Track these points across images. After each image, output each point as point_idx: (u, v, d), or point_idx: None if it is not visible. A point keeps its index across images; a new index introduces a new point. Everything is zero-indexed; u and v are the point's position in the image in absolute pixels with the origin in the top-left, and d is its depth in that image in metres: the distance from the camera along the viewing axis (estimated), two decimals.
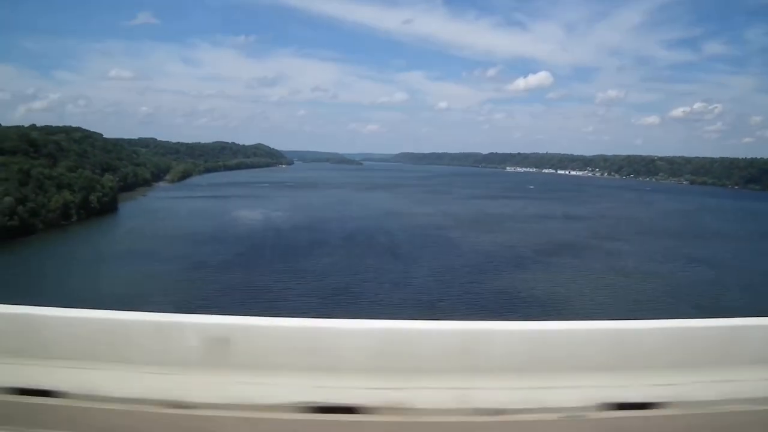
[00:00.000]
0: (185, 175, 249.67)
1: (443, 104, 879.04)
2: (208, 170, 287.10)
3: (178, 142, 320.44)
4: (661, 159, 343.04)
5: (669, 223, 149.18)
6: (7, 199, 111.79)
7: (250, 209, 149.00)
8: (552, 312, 66.49)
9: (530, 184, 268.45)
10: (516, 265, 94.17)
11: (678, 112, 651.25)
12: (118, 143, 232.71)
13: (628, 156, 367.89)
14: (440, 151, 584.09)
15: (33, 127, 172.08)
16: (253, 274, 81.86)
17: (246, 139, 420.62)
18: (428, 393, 5.56)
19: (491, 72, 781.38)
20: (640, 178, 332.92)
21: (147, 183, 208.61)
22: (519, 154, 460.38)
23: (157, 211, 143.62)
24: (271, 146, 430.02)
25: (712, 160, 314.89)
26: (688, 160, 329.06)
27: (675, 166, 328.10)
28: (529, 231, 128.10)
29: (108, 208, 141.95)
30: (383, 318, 6.48)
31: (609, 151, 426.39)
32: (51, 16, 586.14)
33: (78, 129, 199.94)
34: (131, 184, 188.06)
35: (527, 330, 6.04)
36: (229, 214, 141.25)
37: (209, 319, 5.97)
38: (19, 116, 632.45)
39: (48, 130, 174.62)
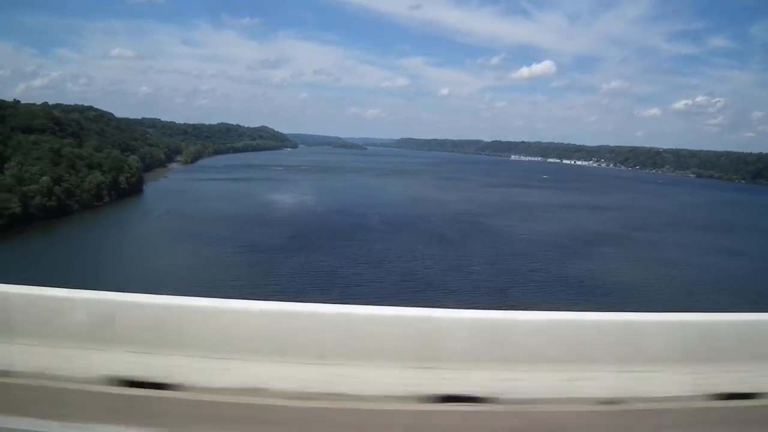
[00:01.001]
0: (197, 157, 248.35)
1: (445, 90, 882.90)
2: (217, 152, 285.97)
3: (185, 123, 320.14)
4: (666, 151, 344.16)
5: (693, 215, 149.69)
6: (44, 178, 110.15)
7: (279, 193, 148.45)
8: (620, 300, 66.45)
9: (543, 174, 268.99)
10: (564, 254, 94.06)
11: (680, 104, 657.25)
12: (130, 123, 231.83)
13: (634, 147, 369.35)
14: (442, 138, 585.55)
15: (46, 104, 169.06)
16: (314, 257, 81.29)
17: (247, 121, 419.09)
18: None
19: (495, 60, 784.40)
20: (646, 170, 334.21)
21: (162, 164, 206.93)
22: (523, 142, 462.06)
23: (185, 192, 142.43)
24: (274, 128, 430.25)
25: (719, 154, 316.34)
26: (693, 153, 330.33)
27: (681, 159, 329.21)
28: (561, 220, 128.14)
29: (135, 189, 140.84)
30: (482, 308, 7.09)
31: (610, 142, 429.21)
32: None
33: (90, 108, 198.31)
34: (148, 165, 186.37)
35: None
36: (260, 197, 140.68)
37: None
38: (18, 93, 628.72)
39: (63, 109, 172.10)
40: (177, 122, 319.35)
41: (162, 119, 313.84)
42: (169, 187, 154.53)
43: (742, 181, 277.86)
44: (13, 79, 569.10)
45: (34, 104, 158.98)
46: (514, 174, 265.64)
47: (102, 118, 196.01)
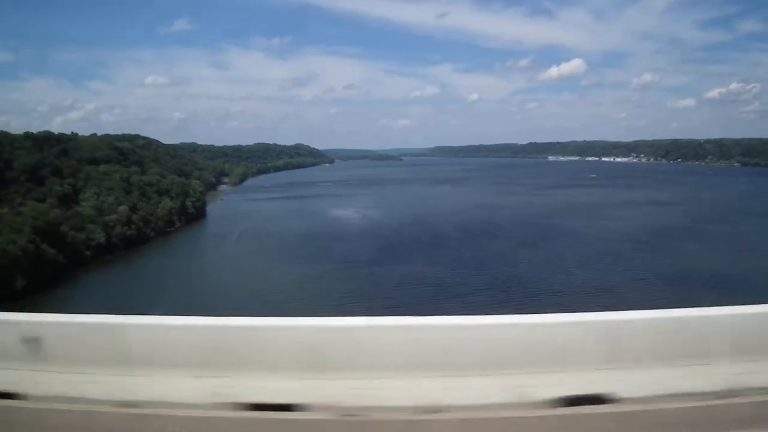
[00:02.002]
0: (243, 178, 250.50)
1: (474, 96, 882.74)
2: (260, 172, 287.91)
3: (224, 145, 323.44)
4: (708, 142, 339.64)
5: (755, 203, 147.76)
6: (122, 207, 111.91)
7: (341, 208, 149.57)
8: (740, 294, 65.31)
9: (590, 173, 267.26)
10: (649, 251, 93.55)
11: (714, 93, 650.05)
12: (176, 148, 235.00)
13: (674, 140, 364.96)
14: (476, 144, 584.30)
15: (94, 135, 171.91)
16: (413, 269, 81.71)
17: (280, 139, 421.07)
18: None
19: (524, 62, 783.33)
20: (689, 162, 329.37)
21: (212, 186, 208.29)
22: (558, 143, 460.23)
23: (249, 213, 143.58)
24: (309, 145, 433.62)
25: (763, 141, 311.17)
26: (736, 142, 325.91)
27: (723, 149, 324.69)
28: (630, 218, 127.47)
29: (200, 213, 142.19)
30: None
31: (644, 137, 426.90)
32: (81, 28, 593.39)
33: (138, 136, 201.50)
34: None
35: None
36: (325, 213, 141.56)
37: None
38: (56, 126, 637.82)
39: (113, 138, 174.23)
40: (216, 145, 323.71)
41: (199, 142, 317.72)
42: (230, 209, 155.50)
43: None
44: (51, 114, 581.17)
45: (86, 136, 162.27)
46: (561, 175, 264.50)
47: (150, 145, 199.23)
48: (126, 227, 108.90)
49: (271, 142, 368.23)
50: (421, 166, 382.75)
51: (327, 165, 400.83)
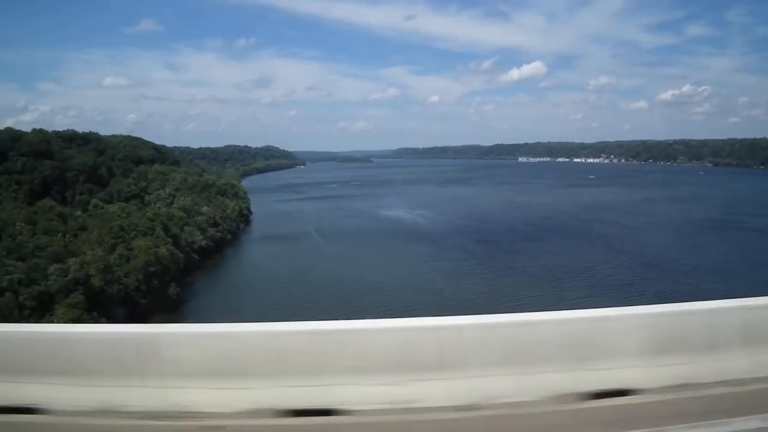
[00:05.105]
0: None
1: (434, 98, 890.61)
2: (244, 174, 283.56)
3: (201, 147, 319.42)
4: (677, 143, 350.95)
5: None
6: (206, 209, 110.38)
7: (387, 209, 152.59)
8: None
9: (585, 174, 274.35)
10: (733, 240, 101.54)
11: (667, 95, 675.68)
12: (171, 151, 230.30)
13: (644, 141, 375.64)
14: (440, 146, 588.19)
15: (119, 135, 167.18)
16: (548, 260, 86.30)
17: (240, 141, 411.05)
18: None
19: (486, 64, 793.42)
20: (660, 163, 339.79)
21: None
22: (526, 144, 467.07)
23: (291, 213, 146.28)
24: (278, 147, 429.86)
25: (732, 141, 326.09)
26: (704, 143, 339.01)
27: (693, 149, 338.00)
28: (669, 213, 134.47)
29: (249, 214, 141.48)
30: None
31: (602, 137, 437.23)
32: (27, 28, 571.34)
33: (128, 136, 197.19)
34: None
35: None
36: (375, 214, 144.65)
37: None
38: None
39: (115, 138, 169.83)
40: (192, 147, 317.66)
41: (167, 145, 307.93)
42: (266, 211, 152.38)
43: (761, 167, 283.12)
44: (1, 116, 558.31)
45: (108, 135, 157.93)
46: (561, 175, 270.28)
47: (145, 146, 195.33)
48: (214, 229, 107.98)
49: (241, 144, 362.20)
50: (397, 167, 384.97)
51: (302, 167, 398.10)
